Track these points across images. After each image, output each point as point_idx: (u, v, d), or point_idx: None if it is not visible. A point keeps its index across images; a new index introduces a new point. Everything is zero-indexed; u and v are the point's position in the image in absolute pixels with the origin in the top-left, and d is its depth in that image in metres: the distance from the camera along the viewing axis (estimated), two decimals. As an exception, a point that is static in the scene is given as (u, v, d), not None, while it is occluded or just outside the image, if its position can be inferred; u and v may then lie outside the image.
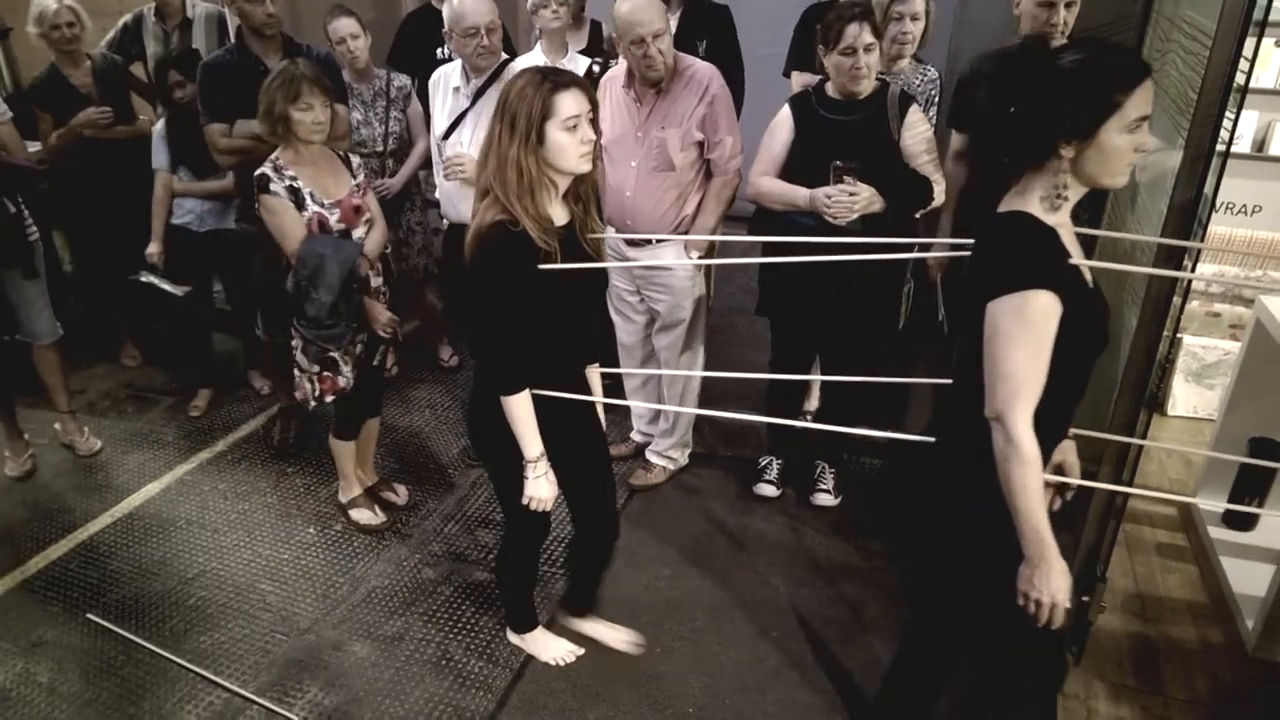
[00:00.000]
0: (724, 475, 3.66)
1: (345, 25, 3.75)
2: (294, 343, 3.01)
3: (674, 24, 3.82)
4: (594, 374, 2.47)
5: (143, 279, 3.81)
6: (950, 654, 2.14)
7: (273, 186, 2.81)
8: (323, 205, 2.89)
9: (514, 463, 2.26)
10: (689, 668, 2.73)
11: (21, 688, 2.70)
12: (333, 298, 2.83)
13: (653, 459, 3.62)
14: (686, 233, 3.18)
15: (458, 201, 3.36)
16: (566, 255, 2.09)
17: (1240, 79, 2.16)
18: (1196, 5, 2.54)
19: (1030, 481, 1.66)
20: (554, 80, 2.02)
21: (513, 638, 2.83)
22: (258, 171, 2.84)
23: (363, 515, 3.36)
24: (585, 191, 2.19)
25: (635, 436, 3.77)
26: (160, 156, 3.83)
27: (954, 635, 2.08)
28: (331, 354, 2.99)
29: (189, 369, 4.24)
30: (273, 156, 2.86)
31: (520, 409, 2.18)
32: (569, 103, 2.00)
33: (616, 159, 3.13)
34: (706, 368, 3.54)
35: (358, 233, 2.98)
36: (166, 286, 3.82)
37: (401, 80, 3.95)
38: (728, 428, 3.88)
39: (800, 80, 3.67)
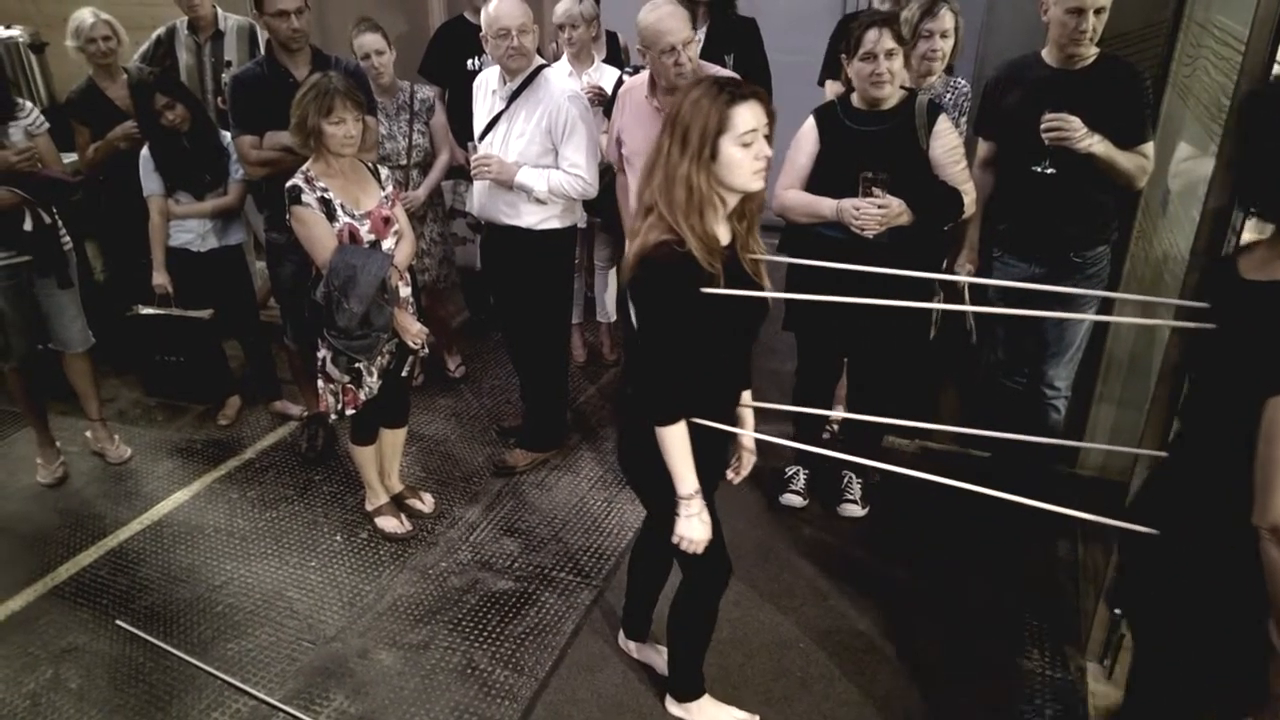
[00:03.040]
0: (750, 485, 3.61)
1: (370, 41, 3.77)
2: (321, 354, 3.03)
3: (701, 36, 3.84)
4: (747, 408, 2.32)
5: (142, 311, 3.78)
6: None
7: (304, 198, 2.83)
8: (353, 216, 2.91)
9: (667, 496, 2.10)
10: (714, 679, 2.70)
11: (51, 693, 2.73)
12: (364, 308, 2.84)
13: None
14: None
15: (486, 203, 3.40)
16: (729, 277, 1.95)
17: (1275, 84, 2.13)
18: (1228, 10, 2.51)
19: None
20: (732, 91, 1.88)
21: (674, 708, 2.59)
22: (289, 183, 2.86)
23: (388, 524, 3.37)
24: (751, 209, 2.04)
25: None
26: (152, 182, 3.73)
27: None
28: (359, 365, 3.01)
29: (213, 382, 4.25)
30: (304, 168, 2.89)
31: (676, 441, 2.02)
32: (747, 116, 1.87)
33: (640, 169, 3.13)
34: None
35: (387, 244, 3.00)
36: (190, 314, 3.82)
37: (425, 93, 3.98)
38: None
39: (834, 89, 3.66)
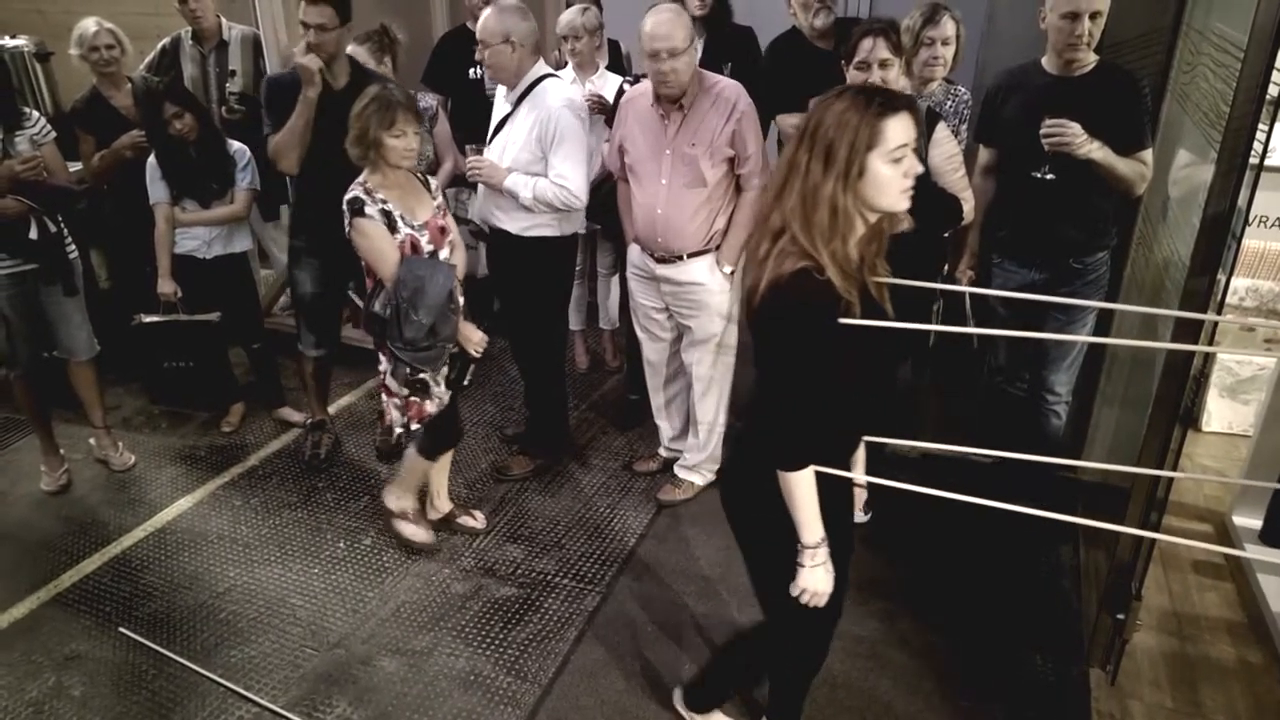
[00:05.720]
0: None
1: (354, 54, 3.75)
2: (382, 366, 3.02)
3: (700, 46, 3.86)
4: (860, 445, 2.15)
5: (147, 319, 3.78)
6: None
7: (367, 210, 2.81)
8: (413, 227, 2.90)
9: (783, 548, 1.94)
10: (717, 684, 2.72)
11: (54, 701, 2.73)
12: (433, 320, 2.84)
13: (682, 474, 3.62)
14: (718, 247, 3.20)
15: (483, 206, 3.44)
16: (861, 305, 1.78)
17: (1273, 91, 2.14)
18: (1227, 17, 2.52)
19: None
20: (882, 103, 1.70)
21: (682, 709, 2.60)
22: (349, 195, 2.84)
23: (408, 529, 3.32)
24: (883, 229, 1.85)
25: (662, 452, 3.77)
26: (158, 190, 3.74)
27: None
28: (421, 376, 3.00)
29: (217, 389, 4.27)
30: (360, 180, 2.87)
31: (804, 488, 1.86)
32: (898, 130, 1.69)
33: (643, 176, 3.15)
34: (737, 383, 3.53)
35: (443, 253, 3.00)
36: (198, 317, 3.84)
37: (426, 101, 3.99)
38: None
39: (788, 123, 3.60)
